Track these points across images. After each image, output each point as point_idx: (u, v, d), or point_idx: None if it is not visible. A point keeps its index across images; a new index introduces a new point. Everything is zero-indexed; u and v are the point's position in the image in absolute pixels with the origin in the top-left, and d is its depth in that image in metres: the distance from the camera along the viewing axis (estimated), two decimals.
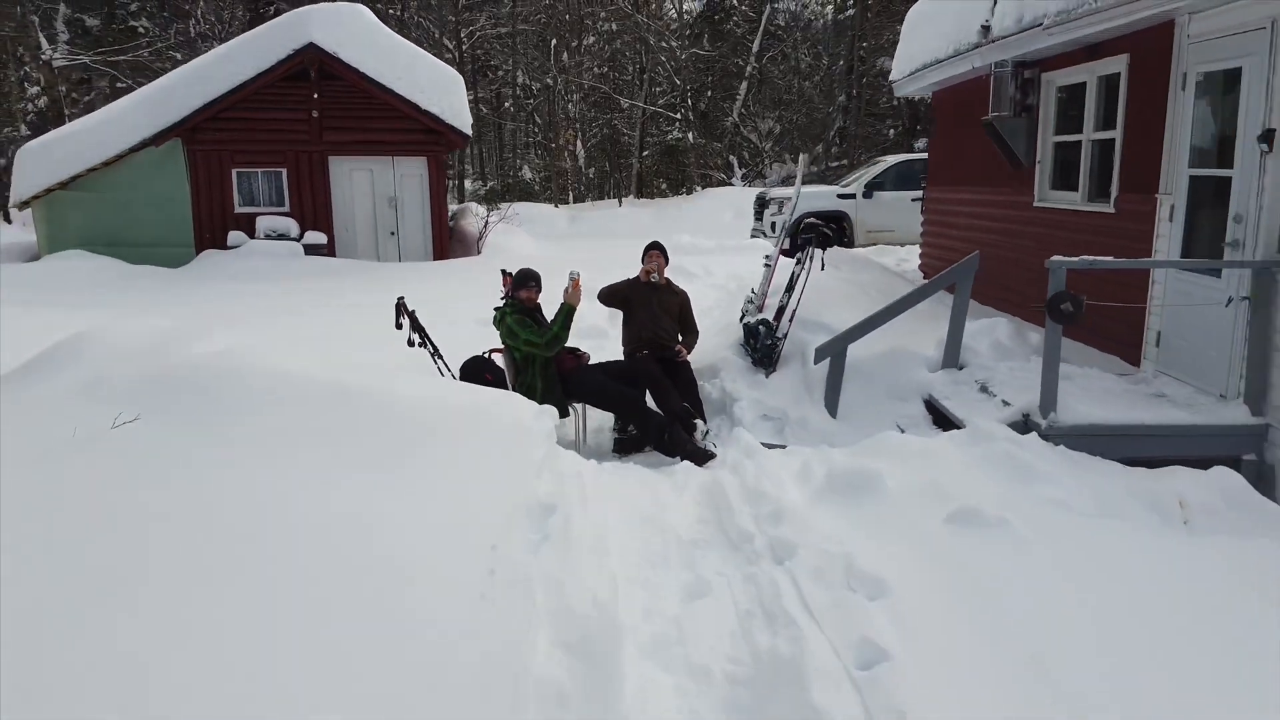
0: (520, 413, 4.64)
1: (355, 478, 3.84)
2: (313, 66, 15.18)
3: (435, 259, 16.46)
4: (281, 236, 15.29)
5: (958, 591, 3.38)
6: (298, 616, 2.88)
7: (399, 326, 6.12)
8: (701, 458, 5.57)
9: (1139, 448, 4.87)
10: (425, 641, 2.91)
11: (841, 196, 17.65)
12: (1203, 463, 4.54)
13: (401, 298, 6.15)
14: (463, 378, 6.19)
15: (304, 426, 4.23)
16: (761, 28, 39.57)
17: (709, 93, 41.25)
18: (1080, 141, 7.48)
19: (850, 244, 16.64)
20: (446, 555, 3.48)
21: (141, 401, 4.46)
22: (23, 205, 15.34)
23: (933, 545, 3.70)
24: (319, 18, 15.13)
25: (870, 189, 17.39)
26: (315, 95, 15.44)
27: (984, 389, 5.71)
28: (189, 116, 15.02)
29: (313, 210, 16.03)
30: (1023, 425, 5.01)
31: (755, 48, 39.57)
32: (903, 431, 5.42)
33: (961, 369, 6.09)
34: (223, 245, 15.26)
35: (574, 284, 5.96)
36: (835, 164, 36.38)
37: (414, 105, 15.92)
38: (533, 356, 5.97)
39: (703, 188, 36.28)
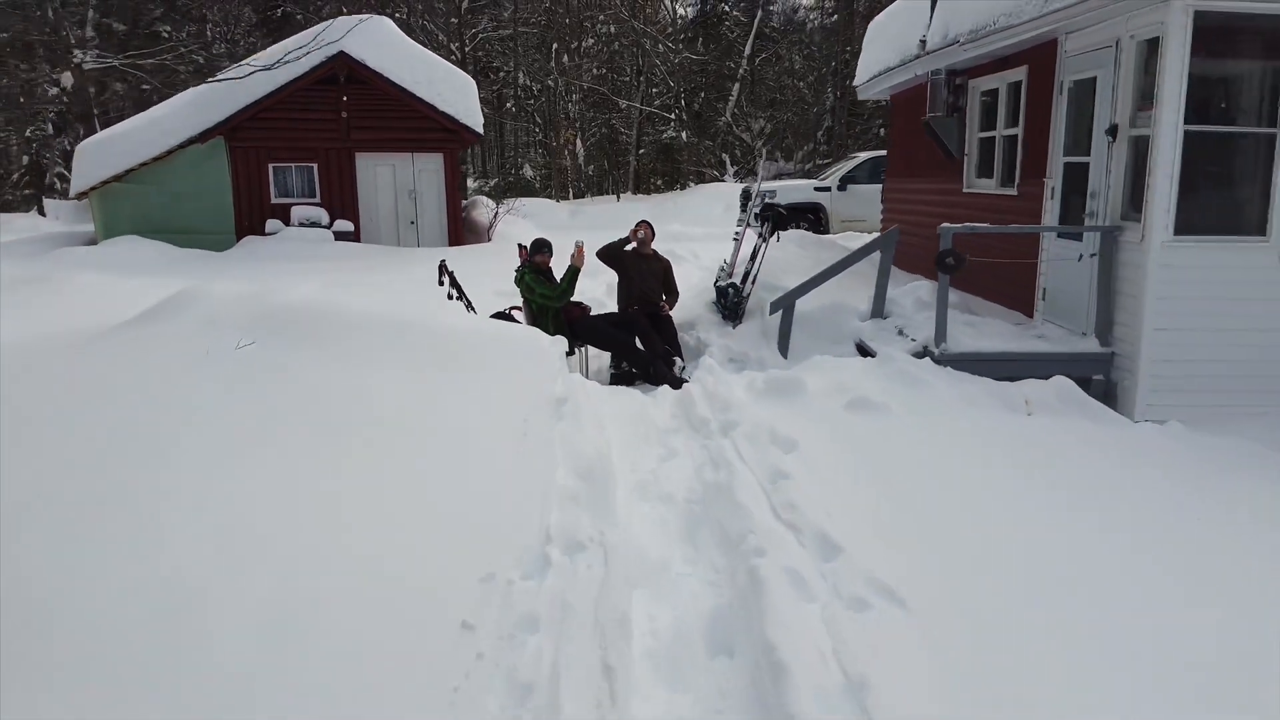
0: (539, 339, 6.01)
1: (423, 377, 5.21)
2: (342, 72, 16.51)
3: (450, 245, 17.76)
4: (314, 224, 16.63)
5: (842, 445, 4.76)
6: (399, 455, 4.26)
7: (440, 284, 7.49)
8: (678, 384, 6.94)
9: (1011, 370, 6.21)
10: (487, 469, 4.29)
11: (818, 189, 18.94)
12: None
13: (443, 260, 7.54)
14: None
15: (380, 345, 5.60)
16: (753, 32, 40.47)
17: (702, 94, 42.12)
18: (995, 137, 8.84)
19: (826, 231, 17.93)
20: (492, 425, 4.84)
21: (254, 332, 5.82)
22: (80, 195, 16.63)
23: (832, 421, 5.08)
24: (349, 28, 16.44)
25: (844, 182, 18.68)
26: (344, 98, 16.80)
27: (900, 332, 7.07)
28: (231, 117, 16.34)
29: (341, 201, 17.37)
30: (921, 353, 6.37)
31: (747, 50, 40.59)
32: None
33: (886, 318, 7.45)
34: (261, 232, 16.61)
35: (578, 250, 7.33)
36: (824, 161, 37.41)
37: (432, 107, 17.23)
38: (546, 307, 7.34)
39: (696, 184, 36.99)
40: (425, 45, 24.68)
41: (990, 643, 3.14)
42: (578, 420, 5.09)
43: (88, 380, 5.20)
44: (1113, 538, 3.97)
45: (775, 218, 8.55)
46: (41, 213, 31.85)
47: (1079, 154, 6.95)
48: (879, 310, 7.40)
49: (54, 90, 34.15)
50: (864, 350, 7.16)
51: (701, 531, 4.25)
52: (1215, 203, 5.94)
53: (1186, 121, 5.72)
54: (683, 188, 37.38)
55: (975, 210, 9.17)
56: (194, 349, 5.64)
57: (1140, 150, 6.05)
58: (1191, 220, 5.84)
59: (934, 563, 3.65)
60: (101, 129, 23.15)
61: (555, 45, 40.21)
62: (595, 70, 41.95)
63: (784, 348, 7.41)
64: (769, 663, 3.02)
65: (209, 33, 36.87)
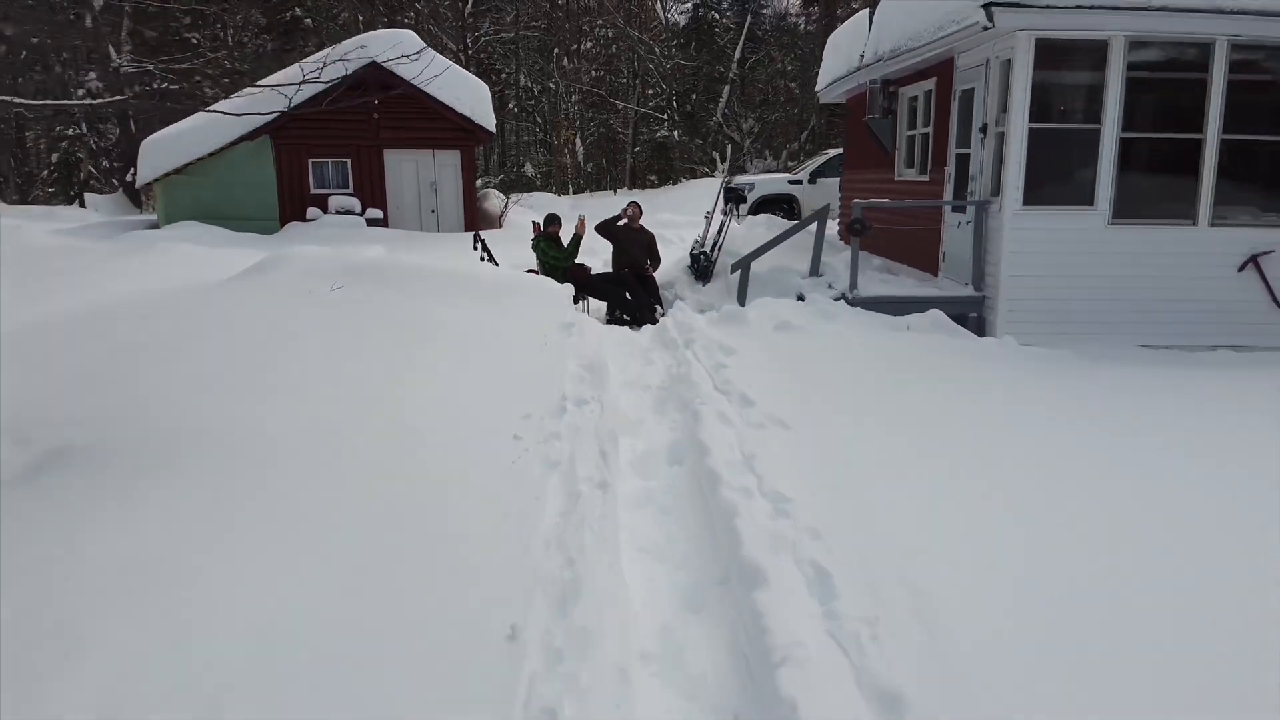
0: (553, 284, 7.80)
1: (473, 308, 7.00)
2: (373, 80, 18.22)
3: (466, 230, 19.50)
4: (348, 212, 18.38)
5: (766, 351, 6.56)
6: (465, 354, 6.04)
7: (475, 249, 9.28)
8: (656, 323, 8.72)
9: (907, 310, 7.98)
10: (522, 363, 6.08)
11: (791, 183, 20.69)
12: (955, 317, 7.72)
13: (477, 231, 9.33)
14: None
15: (439, 288, 7.38)
16: (742, 38, 41.83)
17: (694, 95, 43.53)
18: (915, 135, 10.60)
19: (798, 218, 19.69)
20: (523, 338, 6.63)
21: (342, 280, 7.60)
22: (145, 186, 18.36)
23: (762, 337, 6.88)
24: (379, 41, 18.12)
25: (814, 176, 20.41)
26: (375, 102, 18.53)
27: (830, 286, 8.84)
28: (276, 118, 18.08)
29: (371, 192, 19.12)
30: (839, 298, 8.15)
31: (737, 55, 42.02)
32: None
33: (821, 276, 9.21)
34: (302, 218, 18.35)
35: (580, 221, 9.12)
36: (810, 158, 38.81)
37: (450, 109, 18.96)
38: (556, 267, 9.12)
39: (688, 180, 38.32)
40: (431, 48, 26.14)
41: (833, 447, 4.92)
42: (582, 338, 6.89)
43: (234, 308, 7.01)
44: (934, 396, 5.77)
45: (735, 197, 10.32)
46: (82, 204, 33.38)
47: (965, 147, 8.72)
48: (815, 270, 9.16)
49: (80, 91, 35.65)
50: (801, 299, 8.94)
51: (667, 404, 6.03)
52: (1054, 180, 7.71)
53: (1031, 120, 7.50)
54: (675, 183, 38.74)
55: (902, 194, 10.95)
56: (299, 291, 7.45)
57: (1001, 143, 7.82)
58: (1036, 194, 7.63)
59: (813, 408, 5.44)
60: (136, 130, 24.77)
61: (556, 50, 41.64)
62: (594, 72, 43.30)
63: (742, 299, 9.17)
64: (700, 453, 4.82)
65: (229, 37, 37.91)
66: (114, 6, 34.37)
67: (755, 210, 18.90)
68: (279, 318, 6.74)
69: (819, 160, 21.10)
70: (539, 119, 45.12)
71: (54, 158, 38.73)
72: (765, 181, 20.63)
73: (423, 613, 3.17)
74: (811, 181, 20.33)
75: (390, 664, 2.87)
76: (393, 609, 3.17)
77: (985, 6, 7.06)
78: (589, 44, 43.48)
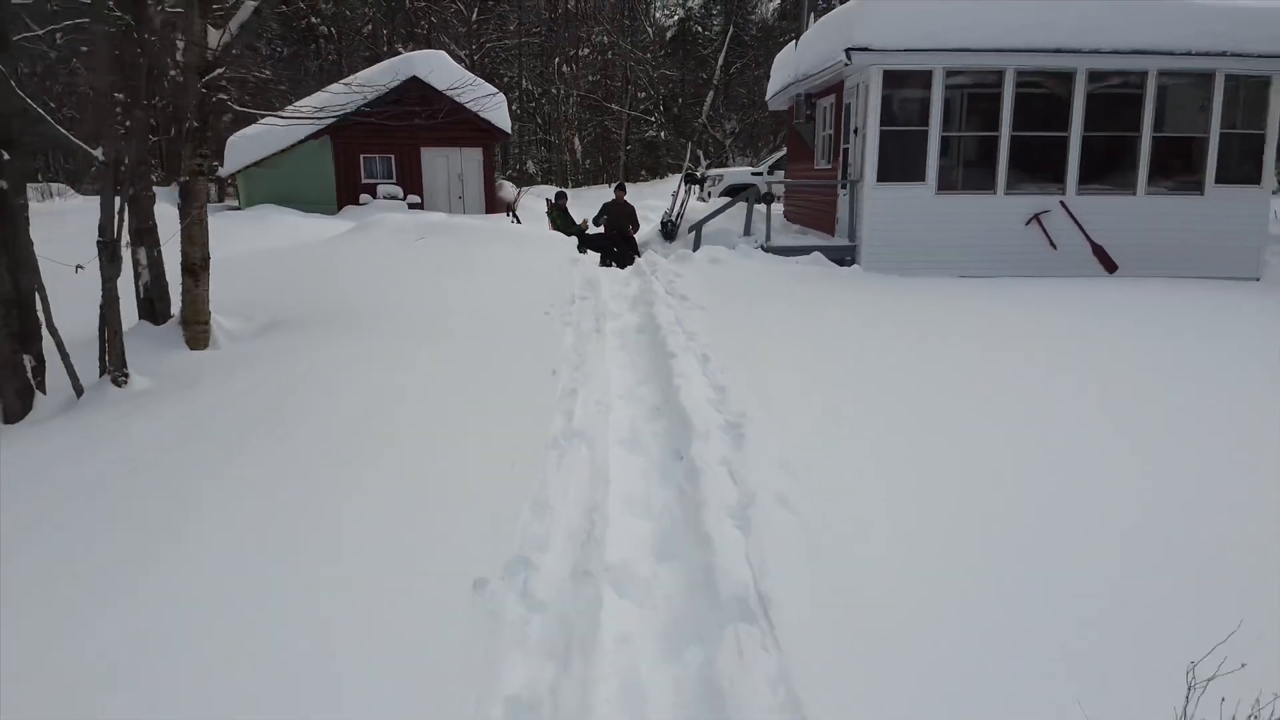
0: (564, 237, 10.85)
1: (510, 249, 10.09)
2: (413, 90, 21.15)
3: (486, 212, 22.49)
4: (393, 197, 21.38)
5: (703, 276, 9.64)
6: (506, 275, 9.13)
7: (508, 215, 12.32)
8: (633, 264, 11.76)
9: (803, 253, 11.02)
10: (543, 281, 9.16)
11: (754, 174, 23.65)
12: (836, 260, 10.78)
13: (510, 203, 12.37)
14: None
15: (487, 236, 10.49)
16: (725, 46, 44.35)
17: (680, 99, 46.11)
18: (826, 135, 13.61)
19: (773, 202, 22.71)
20: (544, 268, 9.72)
21: (427, 233, 10.67)
22: (230, 176, 21.32)
23: (701, 268, 9.96)
24: (418, 59, 21.09)
25: (772, 168, 23.39)
26: (414, 110, 21.44)
27: (754, 241, 11.89)
28: (335, 122, 21.03)
29: (410, 181, 22.10)
30: (758, 247, 11.20)
31: (720, 61, 44.57)
32: None
33: (750, 235, 12.25)
34: (355, 203, 21.34)
35: (585, 222, 12.19)
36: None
37: (474, 114, 21.85)
38: (564, 230, 12.18)
39: (675, 175, 40.91)
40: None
41: (728, 317, 7.98)
42: (584, 270, 9.95)
43: (358, 249, 10.11)
44: (798, 296, 8.85)
45: (692, 180, 13.36)
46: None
47: (849, 143, 11.75)
48: (746, 230, 12.20)
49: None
50: (732, 248, 11.98)
51: (637, 304, 9.07)
52: (897, 165, 10.74)
53: (881, 125, 10.53)
54: (662, 178, 41.45)
55: (815, 180, 13.97)
56: (395, 243, 10.51)
57: (865, 140, 10.85)
58: (886, 174, 10.67)
59: (723, 301, 8.52)
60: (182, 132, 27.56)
61: (557, 59, 44.10)
62: (590, 77, 45.68)
63: (695, 249, 12.21)
64: (654, 323, 7.88)
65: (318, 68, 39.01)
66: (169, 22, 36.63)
67: (760, 201, 22.01)
68: (388, 253, 9.85)
69: (776, 156, 24.09)
70: (539, 119, 47.63)
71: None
72: (733, 173, 23.62)
73: (517, 367, 6.27)
74: (770, 173, 23.28)
75: (515, 372, 5.99)
76: (508, 363, 6.28)
77: (846, 50, 10.10)
78: (586, 50, 45.65)
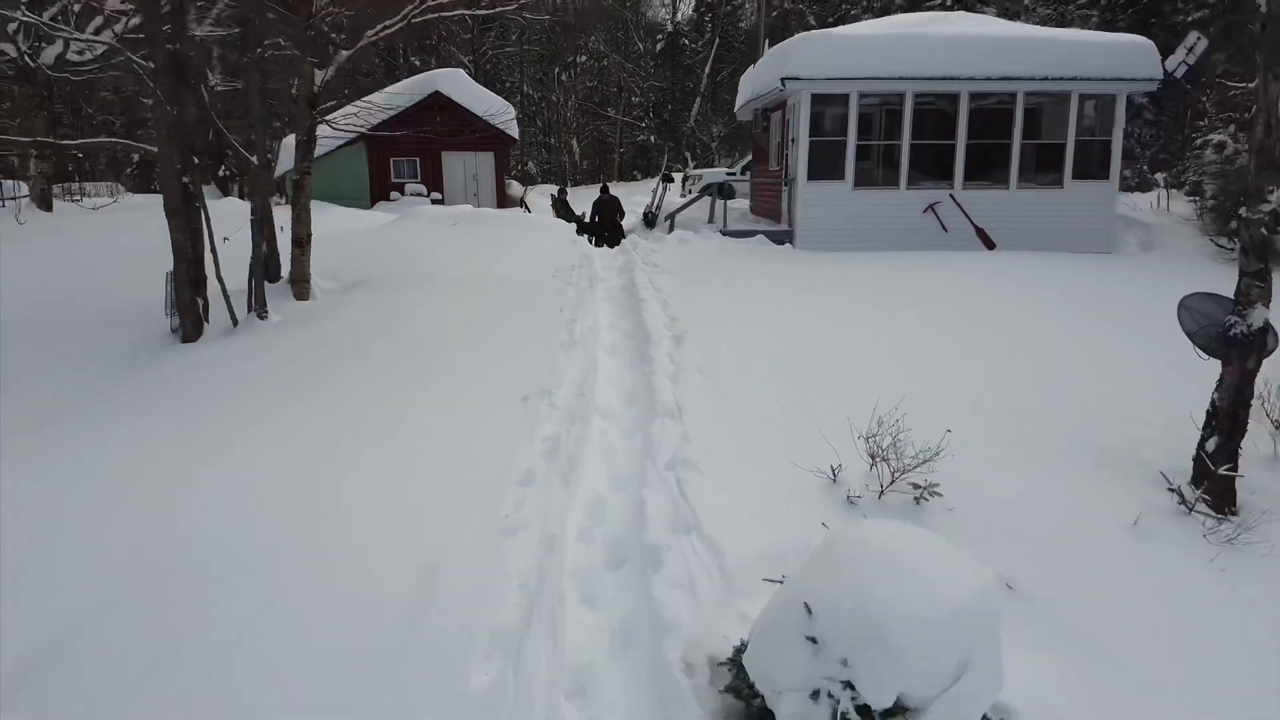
0: (567, 226, 13.26)
1: (527, 233, 12.51)
2: (436, 102, 23.50)
3: (498, 207, 24.83)
4: (419, 195, 23.73)
5: (673, 251, 12.08)
6: (519, 249, 11.57)
7: (520, 206, 14.69)
8: (619, 245, 14.16)
9: (752, 235, 13.41)
10: (549, 255, 11.59)
11: (728, 174, 26.01)
12: (777, 241, 13.19)
13: (521, 197, 14.74)
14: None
15: (507, 223, 12.90)
16: (711, 56, 46.47)
17: (669, 105, 48.29)
18: (778, 143, 15.97)
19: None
20: (550, 245, 12.13)
21: (464, 219, 13.09)
22: (281, 176, 23.63)
23: (672, 246, 12.40)
24: (441, 76, 23.42)
25: (744, 170, 25.74)
26: (437, 118, 23.79)
27: (716, 226, 14.28)
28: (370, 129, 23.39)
29: (433, 180, 24.43)
30: (718, 231, 13.59)
31: (707, 69, 46.66)
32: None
33: (714, 223, 14.63)
34: (386, 199, 23.68)
35: (582, 215, 14.57)
36: None
37: (487, 122, 24.15)
38: (565, 218, 14.57)
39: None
40: (449, 63, 30.57)
41: (691, 280, 10.39)
42: (581, 248, 12.36)
43: (406, 232, 12.50)
44: (747, 266, 11.25)
45: (666, 179, 15.76)
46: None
47: (789, 149, 14.13)
48: (710, 219, 14.61)
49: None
50: (697, 232, 14.38)
51: (622, 272, 11.48)
52: (823, 166, 13.13)
53: (810, 135, 12.92)
54: (652, 177, 43.73)
55: (773, 181, 16.34)
56: (433, 227, 12.90)
57: (798, 147, 13.23)
58: (815, 174, 13.06)
59: (687, 269, 10.93)
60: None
61: (558, 70, 46.16)
62: (587, 84, 47.66)
63: (669, 232, 14.60)
64: (632, 284, 10.30)
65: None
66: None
67: (719, 194, 24.36)
68: (428, 235, 12.25)
69: (747, 159, 26.45)
70: (539, 122, 49.64)
71: (135, 157, 43.06)
72: (710, 173, 25.87)
73: (535, 307, 8.70)
74: (743, 174, 25.62)
75: (533, 311, 8.42)
76: (527, 305, 8.70)
77: (782, 79, 12.49)
78: (584, 58, 47.57)
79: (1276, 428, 5.70)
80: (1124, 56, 12.74)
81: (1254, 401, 5.45)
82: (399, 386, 6.32)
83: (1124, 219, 14.41)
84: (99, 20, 9.57)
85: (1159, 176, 19.90)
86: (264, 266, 10.16)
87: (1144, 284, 10.46)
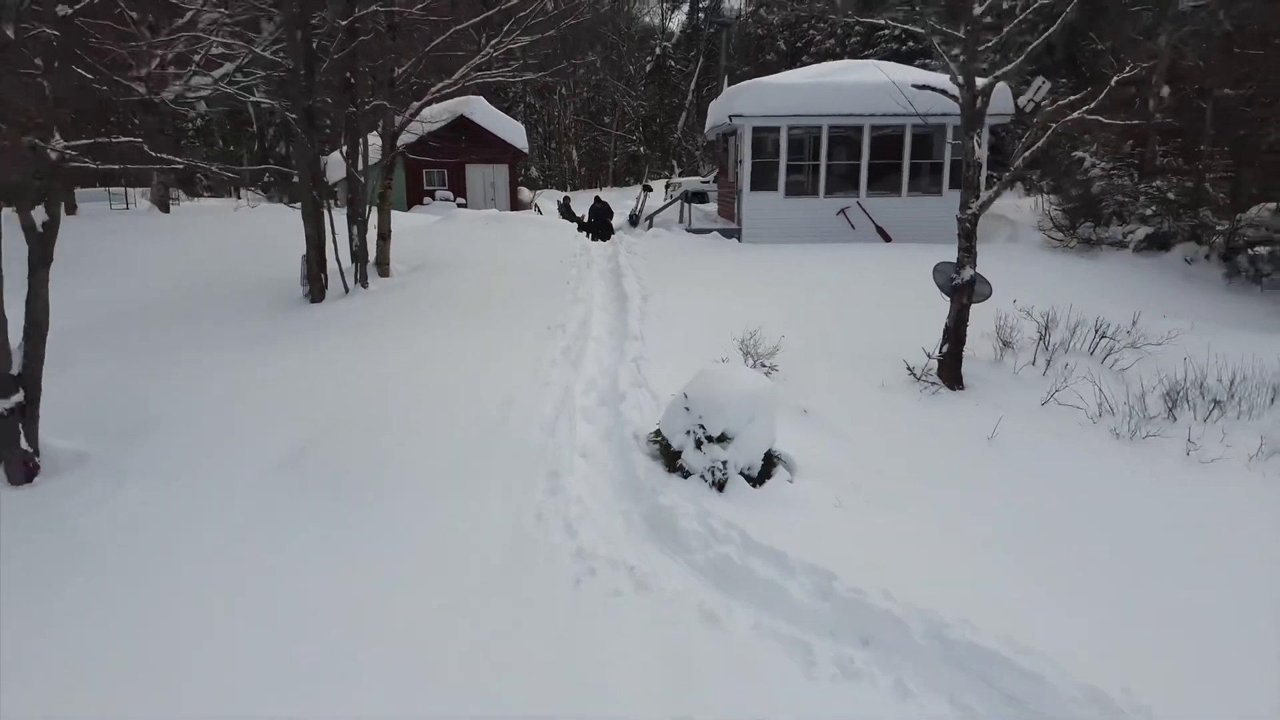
0: (569, 225, 16.47)
1: (539, 231, 15.75)
2: (461, 124, 26.58)
3: (511, 209, 27.94)
4: (446, 200, 26.85)
5: (648, 243, 15.29)
6: (534, 240, 14.82)
7: (533, 209, 17.86)
8: (609, 239, 17.37)
9: (710, 232, 16.62)
10: (556, 246, 14.83)
11: (703, 183, 29.14)
12: (728, 236, 16.41)
13: (533, 202, 17.90)
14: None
15: (525, 223, 16.11)
16: (696, 74, 49.37)
17: (658, 118, 51.24)
18: (734, 162, 19.14)
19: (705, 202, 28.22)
20: (560, 238, 15.35)
21: (490, 220, 16.33)
22: (334, 184, 26.70)
23: (648, 240, 15.62)
24: (465, 103, 26.49)
25: (715, 179, 28.90)
26: (462, 137, 26.91)
27: (684, 226, 17.48)
28: (407, 146, 26.43)
29: (458, 187, 27.54)
30: (686, 229, 16.79)
31: (692, 85, 49.57)
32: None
33: (683, 222, 17.82)
34: (420, 203, 26.78)
35: (580, 217, 17.76)
36: None
37: (502, 140, 27.32)
38: (569, 220, 17.76)
39: (652, 182, 46.06)
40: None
41: (661, 262, 13.60)
42: (581, 241, 15.58)
43: (453, 228, 15.74)
44: (706, 253, 14.48)
45: (646, 188, 18.97)
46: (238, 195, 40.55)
47: (736, 167, 17.32)
48: (680, 219, 17.79)
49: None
50: (669, 229, 17.58)
51: (611, 259, 14.66)
52: (762, 180, 16.32)
53: (753, 157, 16.12)
54: (641, 183, 46.76)
55: (729, 189, 19.52)
56: (468, 226, 16.13)
57: (744, 166, 16.42)
58: (756, 186, 16.27)
59: (658, 256, 14.14)
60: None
61: (561, 89, 48.96)
62: (585, 93, 50.33)
63: (648, 229, 17.80)
64: (618, 267, 13.53)
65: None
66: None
67: (685, 199, 27.48)
68: (465, 232, 15.44)
69: (717, 171, 29.61)
70: (540, 130, 52.49)
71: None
72: (688, 182, 29.03)
73: (548, 283, 11.94)
74: (715, 183, 28.80)
75: (547, 284, 11.67)
76: (543, 281, 11.95)
77: (729, 116, 15.69)
78: (582, 70, 50.29)
79: (1000, 345, 8.95)
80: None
81: (990, 330, 8.73)
82: (468, 323, 9.55)
83: (996, 217, 17.64)
84: (231, 70, 12.81)
85: (1043, 183, 23.12)
86: (358, 253, 13.41)
87: (982, 264, 13.66)
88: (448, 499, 5.72)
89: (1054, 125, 7.99)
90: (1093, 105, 7.81)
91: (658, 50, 51.62)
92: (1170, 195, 14.61)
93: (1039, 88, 16.27)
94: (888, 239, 16.38)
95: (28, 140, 5.68)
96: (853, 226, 16.46)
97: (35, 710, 3.83)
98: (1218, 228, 13.83)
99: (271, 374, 8.18)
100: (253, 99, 13.01)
